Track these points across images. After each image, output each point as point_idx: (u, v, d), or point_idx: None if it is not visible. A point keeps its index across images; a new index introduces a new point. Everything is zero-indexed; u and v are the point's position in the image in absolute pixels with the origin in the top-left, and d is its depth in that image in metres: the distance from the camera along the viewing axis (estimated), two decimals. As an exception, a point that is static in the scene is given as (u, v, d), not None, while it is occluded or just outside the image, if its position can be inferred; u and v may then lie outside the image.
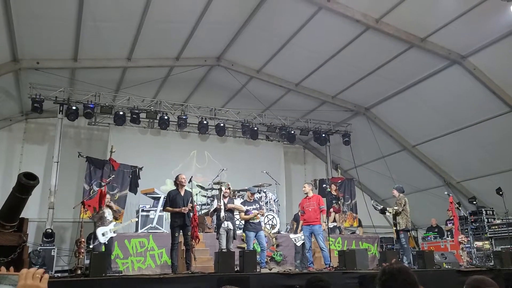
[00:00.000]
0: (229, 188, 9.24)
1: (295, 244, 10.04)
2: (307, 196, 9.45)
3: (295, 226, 11.15)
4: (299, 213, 9.81)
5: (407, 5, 9.65)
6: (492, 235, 11.28)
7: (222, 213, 8.60)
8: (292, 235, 10.39)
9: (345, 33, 11.02)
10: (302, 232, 9.68)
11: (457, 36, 10.31)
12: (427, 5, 9.38)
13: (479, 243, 11.32)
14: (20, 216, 5.61)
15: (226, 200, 8.89)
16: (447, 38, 10.53)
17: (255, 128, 14.27)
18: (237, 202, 9.22)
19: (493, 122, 11.91)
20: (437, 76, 11.78)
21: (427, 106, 12.81)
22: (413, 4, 9.54)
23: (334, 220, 12.98)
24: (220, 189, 8.98)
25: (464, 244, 9.72)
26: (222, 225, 8.63)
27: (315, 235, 9.09)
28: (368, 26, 10.60)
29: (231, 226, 8.67)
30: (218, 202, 8.88)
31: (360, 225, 14.33)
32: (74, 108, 12.06)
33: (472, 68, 11.01)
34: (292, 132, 14.70)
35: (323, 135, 15.12)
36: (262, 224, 9.86)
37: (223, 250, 8.07)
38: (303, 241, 9.67)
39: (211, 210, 9.52)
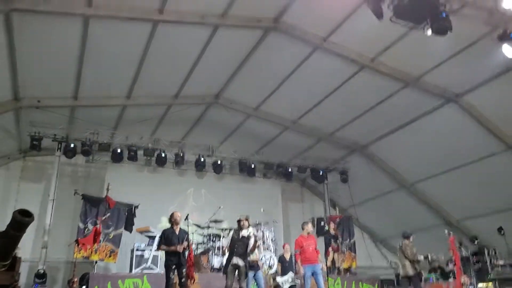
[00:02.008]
0: (247, 219, 8.54)
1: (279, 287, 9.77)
2: (306, 235, 9.29)
3: (280, 268, 10.33)
4: (295, 252, 9.49)
5: (401, 45, 9.86)
6: (496, 277, 10.98)
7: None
8: (279, 278, 9.94)
9: (341, 72, 11.22)
10: (289, 274, 9.65)
11: (452, 75, 10.48)
12: (421, 45, 9.58)
13: (482, 285, 11.02)
14: (13, 255, 5.52)
15: (242, 232, 8.29)
16: (442, 77, 10.70)
17: (252, 166, 14.26)
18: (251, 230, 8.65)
19: (490, 160, 11.88)
20: (433, 114, 11.89)
21: (424, 144, 12.85)
22: (407, 44, 9.74)
23: (333, 260, 12.72)
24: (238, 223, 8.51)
25: (467, 286, 9.46)
26: (232, 260, 8.06)
27: (316, 275, 8.88)
28: (364, 65, 10.81)
29: (241, 263, 8.01)
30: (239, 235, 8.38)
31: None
32: (72, 146, 12.10)
33: (468, 107, 11.13)
34: (290, 169, 14.68)
35: (321, 172, 15.09)
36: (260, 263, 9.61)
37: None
38: (290, 284, 9.48)
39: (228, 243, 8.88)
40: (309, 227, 9.41)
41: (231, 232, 8.84)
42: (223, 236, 11.53)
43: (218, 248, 11.24)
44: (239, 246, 8.07)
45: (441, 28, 6.89)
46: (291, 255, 10.04)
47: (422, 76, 10.87)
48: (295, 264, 9.59)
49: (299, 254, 9.11)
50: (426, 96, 11.43)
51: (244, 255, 8.13)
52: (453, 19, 7.05)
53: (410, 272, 9.10)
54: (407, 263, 9.18)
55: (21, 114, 11.79)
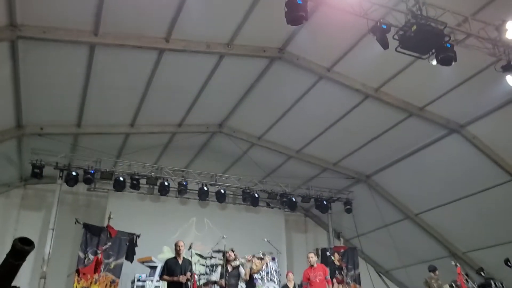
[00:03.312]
0: (233, 251, 8.72)
1: None
2: (311, 266, 9.13)
3: None
4: (303, 284, 9.34)
5: (405, 75, 9.92)
6: (505, 310, 10.74)
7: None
8: None
9: (345, 102, 11.26)
10: None
11: (455, 105, 10.50)
12: (424, 75, 9.66)
13: (491, 319, 10.75)
14: (12, 285, 5.36)
15: (231, 264, 8.43)
16: (445, 107, 10.72)
17: (256, 195, 14.13)
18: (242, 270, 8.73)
19: (495, 191, 11.77)
20: (437, 144, 11.86)
21: (428, 174, 12.76)
22: (411, 74, 9.81)
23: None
24: (224, 259, 8.51)
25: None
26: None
27: None
28: (368, 95, 10.85)
29: None
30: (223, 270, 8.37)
31: None
32: (74, 174, 12.01)
33: (471, 137, 11.11)
34: (293, 199, 14.54)
35: (325, 202, 14.95)
36: None
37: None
38: None
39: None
40: (312, 259, 9.24)
41: (219, 268, 8.76)
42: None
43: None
44: (230, 278, 8.09)
45: (446, 59, 6.93)
46: (294, 285, 9.81)
47: (426, 106, 10.89)
48: None
49: (307, 287, 9.02)
50: (429, 126, 11.42)
51: (237, 286, 8.31)
52: (458, 50, 7.11)
53: None
54: None
55: (23, 142, 11.77)
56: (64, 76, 9.76)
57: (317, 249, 14.12)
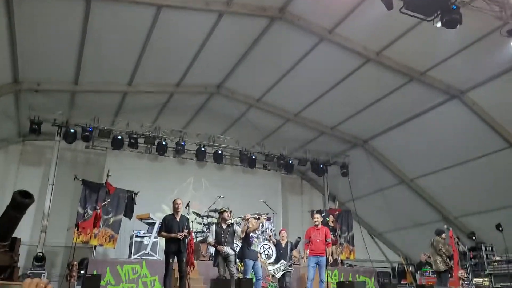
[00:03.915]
0: (230, 211, 8.87)
1: (274, 276, 9.77)
2: (316, 226, 9.37)
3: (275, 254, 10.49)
4: (304, 242, 9.61)
5: (407, 39, 9.77)
6: (492, 272, 11.07)
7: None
8: (270, 267, 9.92)
9: (345, 65, 11.13)
10: (281, 262, 9.65)
11: (457, 71, 10.41)
12: (427, 39, 9.52)
13: (478, 280, 11.10)
14: (13, 236, 5.48)
15: (225, 225, 8.59)
16: (447, 72, 10.64)
17: (253, 157, 14.23)
18: (238, 228, 8.90)
19: (491, 158, 11.88)
20: (436, 110, 11.84)
21: (425, 140, 12.82)
22: (413, 38, 9.66)
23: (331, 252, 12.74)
24: (220, 216, 8.68)
25: (464, 280, 9.53)
26: (220, 252, 8.28)
27: (321, 266, 9.03)
28: (369, 59, 10.72)
29: (230, 251, 8.29)
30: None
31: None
32: (72, 131, 12.02)
33: (471, 104, 11.08)
34: (290, 162, 14.65)
35: (321, 166, 15.07)
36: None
37: (221, 278, 7.81)
38: (283, 272, 9.54)
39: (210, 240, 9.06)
40: (318, 219, 9.53)
41: (213, 226, 8.91)
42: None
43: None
44: (226, 236, 8.22)
45: (452, 21, 6.79)
46: (287, 242, 9.99)
47: (428, 71, 10.80)
48: (291, 251, 9.82)
49: (307, 245, 9.35)
50: (430, 91, 11.36)
51: (232, 243, 8.40)
52: (463, 12, 6.96)
53: (442, 267, 9.42)
54: (439, 258, 9.49)
55: (21, 98, 11.69)
56: (60, 32, 9.56)
57: (312, 211, 14.36)
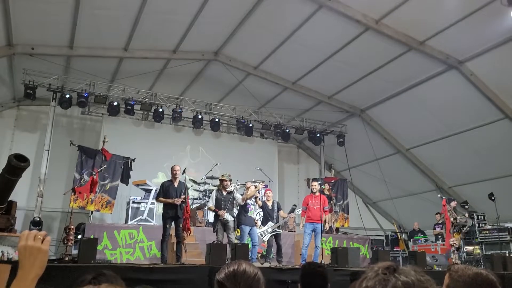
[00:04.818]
0: (230, 180, 8.90)
1: (261, 238, 9.62)
2: (313, 193, 9.48)
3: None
4: (301, 209, 9.68)
5: (407, 7, 9.63)
6: (483, 240, 11.31)
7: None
8: (258, 230, 9.61)
9: (344, 33, 10.99)
10: (268, 224, 9.50)
11: (456, 40, 10.31)
12: (427, 8, 9.38)
13: (469, 248, 11.34)
14: (9, 200, 5.52)
15: (225, 192, 8.67)
16: (446, 42, 10.53)
17: (250, 125, 14.20)
18: (238, 196, 8.94)
19: (487, 128, 11.94)
20: (434, 80, 11.79)
21: (422, 109, 12.82)
22: (413, 7, 9.52)
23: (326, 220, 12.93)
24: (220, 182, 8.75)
25: (456, 247, 9.73)
26: (220, 218, 8.40)
27: (317, 233, 9.19)
28: (368, 27, 10.57)
29: (230, 218, 8.43)
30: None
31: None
32: (67, 96, 11.91)
33: (469, 74, 11.02)
34: (287, 130, 14.65)
35: (318, 135, 15.08)
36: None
37: (217, 243, 7.94)
38: (271, 234, 9.48)
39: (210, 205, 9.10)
40: (315, 187, 9.61)
41: (213, 193, 8.96)
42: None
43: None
44: (226, 202, 8.32)
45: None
46: (273, 203, 9.96)
47: (427, 40, 10.67)
48: (277, 212, 9.77)
49: (305, 212, 9.45)
50: (428, 61, 11.27)
51: (232, 210, 8.55)
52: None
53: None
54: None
55: (15, 61, 11.56)
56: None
57: (308, 179, 14.46)
